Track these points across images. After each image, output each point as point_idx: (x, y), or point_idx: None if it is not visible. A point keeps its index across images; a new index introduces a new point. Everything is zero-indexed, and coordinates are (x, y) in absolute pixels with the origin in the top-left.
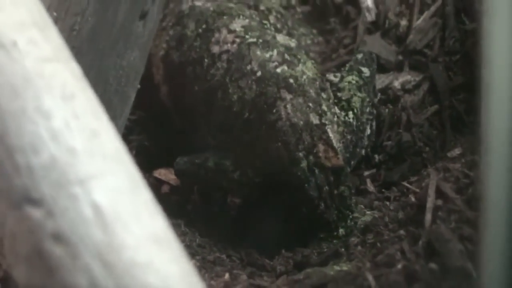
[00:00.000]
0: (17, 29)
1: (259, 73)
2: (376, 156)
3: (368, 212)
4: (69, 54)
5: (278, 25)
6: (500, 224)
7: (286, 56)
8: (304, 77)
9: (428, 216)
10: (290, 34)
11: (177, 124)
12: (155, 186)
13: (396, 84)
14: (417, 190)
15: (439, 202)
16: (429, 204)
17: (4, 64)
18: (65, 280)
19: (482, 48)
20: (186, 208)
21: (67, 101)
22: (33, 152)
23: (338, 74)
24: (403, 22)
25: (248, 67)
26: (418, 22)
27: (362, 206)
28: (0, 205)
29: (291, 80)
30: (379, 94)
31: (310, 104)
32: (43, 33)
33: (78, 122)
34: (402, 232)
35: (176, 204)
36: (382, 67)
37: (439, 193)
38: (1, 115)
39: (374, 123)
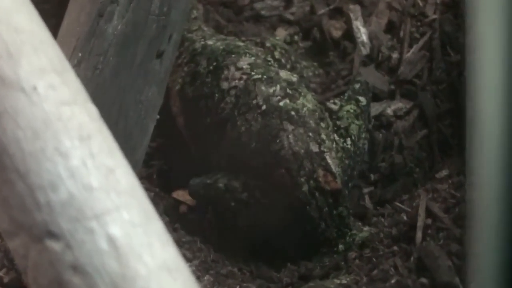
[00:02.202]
0: (37, 75)
1: (263, 107)
2: (372, 176)
3: (365, 229)
4: (86, 96)
5: (283, 60)
6: (485, 240)
7: (288, 90)
8: (305, 109)
9: (419, 234)
10: (293, 68)
11: (192, 151)
12: (174, 206)
13: (389, 111)
14: (409, 209)
15: (429, 221)
16: (420, 223)
17: (25, 108)
18: None
19: (466, 78)
20: (202, 226)
21: (84, 142)
22: (52, 189)
23: (338, 102)
24: (395, 55)
25: (254, 102)
26: (408, 55)
27: (359, 223)
28: (23, 239)
29: (293, 113)
30: (373, 120)
31: (310, 134)
32: (61, 78)
33: (94, 161)
34: (395, 248)
35: (193, 223)
36: (376, 96)
37: (429, 213)
38: (22, 156)
39: (366, 146)
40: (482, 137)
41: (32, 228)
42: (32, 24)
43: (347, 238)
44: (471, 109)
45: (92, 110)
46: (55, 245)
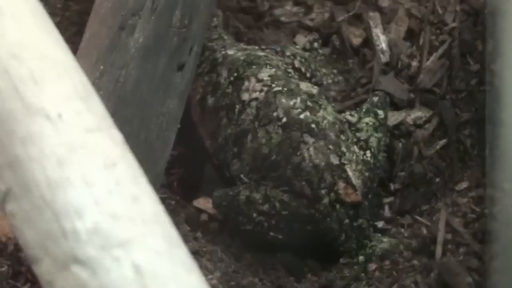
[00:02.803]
0: (62, 102)
1: (284, 120)
2: (392, 185)
3: (384, 240)
4: (110, 122)
5: (303, 69)
6: (505, 256)
7: (309, 103)
8: (325, 121)
9: (439, 249)
10: (313, 75)
11: (213, 160)
12: (195, 214)
13: (409, 120)
14: (428, 223)
15: (449, 235)
16: (440, 238)
17: (50, 135)
18: None
19: (487, 87)
20: (223, 234)
21: (109, 169)
22: (78, 217)
23: (356, 115)
24: (414, 63)
25: (275, 114)
26: (428, 63)
27: (379, 234)
28: (49, 265)
29: (313, 125)
30: (388, 134)
31: (331, 146)
32: (86, 104)
33: (119, 188)
34: (415, 262)
35: (214, 231)
36: (396, 105)
37: (449, 227)
38: (48, 184)
39: (384, 161)
40: (503, 149)
41: (58, 255)
42: (56, 49)
43: (367, 249)
44: (492, 120)
45: (117, 136)
46: (81, 272)
